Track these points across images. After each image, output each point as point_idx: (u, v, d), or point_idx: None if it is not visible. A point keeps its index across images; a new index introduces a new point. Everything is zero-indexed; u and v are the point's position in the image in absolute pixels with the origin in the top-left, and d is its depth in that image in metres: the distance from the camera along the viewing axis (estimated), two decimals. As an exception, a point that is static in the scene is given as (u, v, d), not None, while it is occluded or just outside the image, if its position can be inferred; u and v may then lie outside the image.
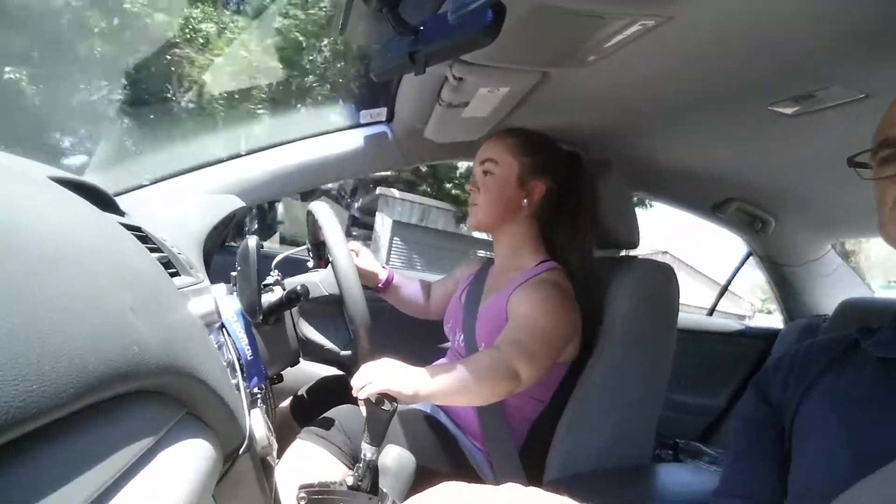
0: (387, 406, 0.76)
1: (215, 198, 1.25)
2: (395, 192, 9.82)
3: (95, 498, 0.25)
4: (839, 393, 0.58)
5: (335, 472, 0.96)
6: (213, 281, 0.85)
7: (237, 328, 0.76)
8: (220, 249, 1.23)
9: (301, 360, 0.99)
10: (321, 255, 1.20)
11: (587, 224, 1.15)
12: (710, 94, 1.01)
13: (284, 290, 0.90)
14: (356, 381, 0.79)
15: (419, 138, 1.34)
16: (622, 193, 1.26)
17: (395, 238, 9.99)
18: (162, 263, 0.60)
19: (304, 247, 1.24)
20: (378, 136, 1.38)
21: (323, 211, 1.04)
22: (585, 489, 0.98)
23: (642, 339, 1.13)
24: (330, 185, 8.79)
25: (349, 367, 1.05)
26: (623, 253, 1.32)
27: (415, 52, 0.67)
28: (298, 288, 0.90)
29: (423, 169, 9.67)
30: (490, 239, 1.24)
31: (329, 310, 1.00)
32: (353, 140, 1.37)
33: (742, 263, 2.33)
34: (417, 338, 1.59)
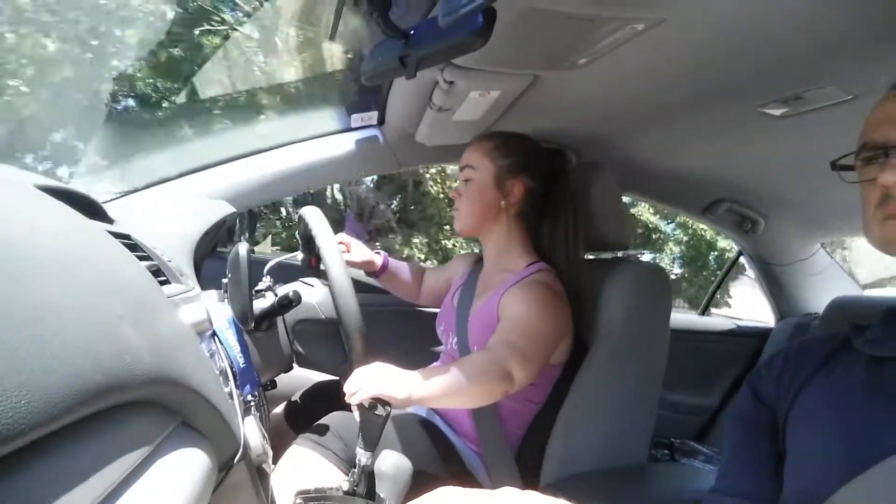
0: (380, 411, 0.76)
1: (205, 203, 1.24)
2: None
3: None
4: (831, 390, 0.59)
5: (331, 477, 0.95)
6: (204, 287, 0.84)
7: (229, 336, 0.75)
8: (210, 255, 1.22)
9: (294, 365, 0.99)
10: (311, 250, 1.19)
11: (572, 222, 1.15)
12: (700, 95, 1.02)
13: (276, 296, 0.89)
14: (348, 387, 0.79)
15: (410, 142, 1.34)
16: (613, 195, 1.27)
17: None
18: (152, 272, 0.59)
19: (296, 254, 1.23)
20: (369, 139, 1.38)
21: (314, 215, 1.04)
22: (582, 491, 0.98)
23: (636, 340, 1.14)
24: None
25: (343, 373, 1.05)
26: (620, 254, 1.33)
27: (405, 56, 0.67)
28: (290, 294, 0.89)
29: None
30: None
31: (327, 331, 1.00)
32: (345, 144, 1.37)
33: (733, 263, 2.35)
34: (410, 341, 1.59)
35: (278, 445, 1.02)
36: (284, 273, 1.03)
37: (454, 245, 9.15)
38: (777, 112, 0.99)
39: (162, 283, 0.62)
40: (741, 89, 0.96)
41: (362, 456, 0.76)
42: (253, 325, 0.82)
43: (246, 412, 0.71)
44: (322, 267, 0.96)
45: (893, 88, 0.56)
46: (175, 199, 1.24)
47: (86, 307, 0.29)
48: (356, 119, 1.39)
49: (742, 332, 2.08)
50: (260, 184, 1.32)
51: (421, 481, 0.79)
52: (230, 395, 0.59)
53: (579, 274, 1.14)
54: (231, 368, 0.69)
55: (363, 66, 0.79)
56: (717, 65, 0.88)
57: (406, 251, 9.00)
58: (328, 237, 0.98)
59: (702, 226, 8.56)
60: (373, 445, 0.76)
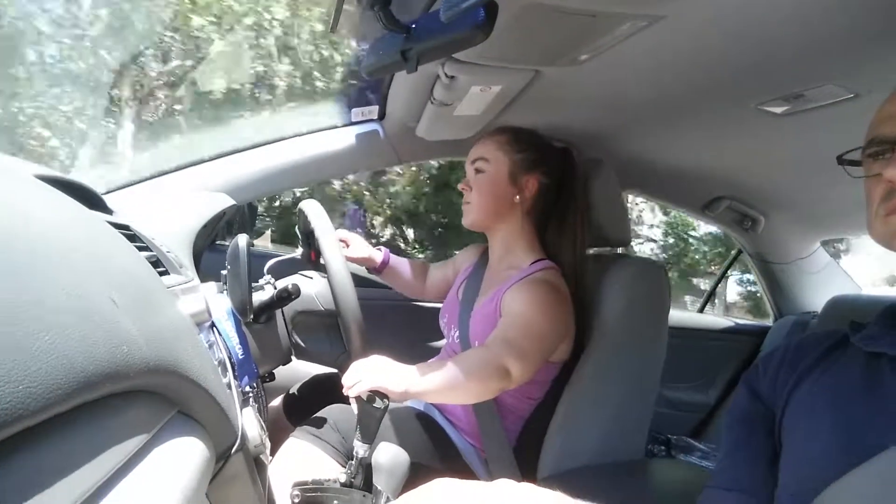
0: (378, 403, 0.76)
1: (205, 196, 1.24)
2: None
3: (88, 497, 0.25)
4: (828, 386, 0.59)
5: (329, 469, 0.95)
6: (204, 280, 0.84)
7: (228, 327, 0.76)
8: (210, 248, 1.22)
9: (293, 358, 0.99)
10: (311, 244, 1.19)
11: (579, 221, 1.15)
12: (701, 93, 1.01)
13: (276, 288, 0.89)
14: (346, 379, 0.79)
15: (411, 136, 1.34)
16: (614, 191, 1.27)
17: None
18: (151, 262, 0.59)
19: (295, 252, 1.23)
20: (370, 133, 1.38)
21: (314, 209, 1.04)
22: (579, 485, 0.98)
23: (635, 336, 1.14)
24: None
25: (341, 365, 1.05)
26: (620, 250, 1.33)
27: (407, 50, 0.67)
28: (290, 286, 0.90)
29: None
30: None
31: (325, 322, 1.00)
32: (345, 138, 1.36)
33: (733, 261, 2.35)
34: (411, 336, 1.59)
35: (276, 437, 1.02)
36: (285, 270, 1.03)
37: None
38: (778, 110, 0.99)
39: (161, 273, 0.62)
40: (742, 87, 0.96)
41: (360, 448, 0.76)
42: (252, 317, 0.82)
43: (244, 403, 0.72)
44: (321, 261, 0.97)
45: None
46: (175, 191, 1.24)
47: (83, 296, 0.29)
48: (356, 113, 1.38)
49: (740, 329, 2.09)
50: (260, 177, 1.32)
51: (418, 474, 0.79)
52: (228, 385, 0.59)
53: (585, 273, 1.14)
54: (230, 359, 0.69)
55: (364, 59, 0.79)
56: (718, 62, 0.88)
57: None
58: (328, 232, 0.98)
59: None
60: (370, 438, 0.76)
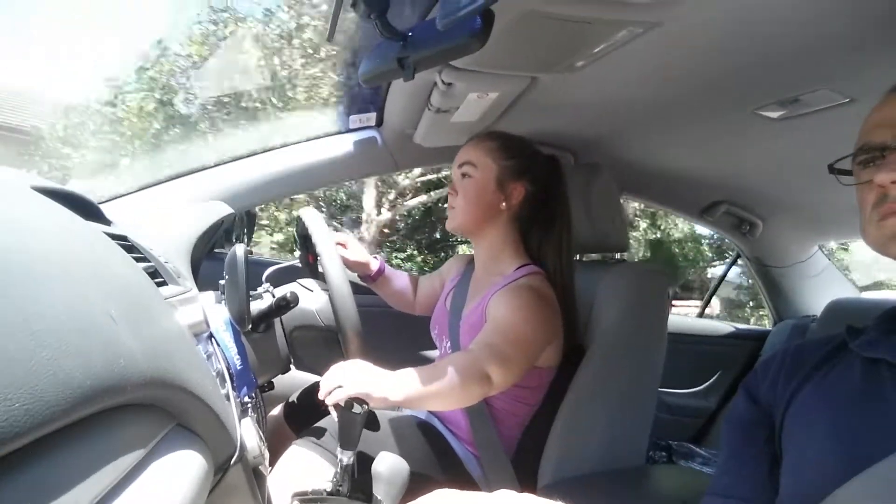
0: (357, 409, 0.75)
1: (203, 204, 1.23)
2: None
3: None
4: (828, 392, 0.59)
5: (329, 479, 0.95)
6: (202, 288, 0.84)
7: (226, 337, 0.75)
8: (208, 256, 1.22)
9: (292, 367, 0.99)
10: (308, 248, 1.19)
11: (564, 227, 1.15)
12: (698, 98, 1.02)
13: (274, 297, 0.89)
14: (324, 385, 0.77)
15: (409, 143, 1.34)
16: (612, 197, 1.27)
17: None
18: (149, 273, 0.59)
19: (294, 261, 1.23)
20: (367, 140, 1.38)
21: (312, 216, 1.04)
22: (579, 493, 0.98)
23: (634, 342, 1.13)
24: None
25: None
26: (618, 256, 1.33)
27: (404, 57, 0.67)
28: (288, 294, 0.89)
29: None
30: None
31: (325, 336, 0.99)
32: (343, 145, 1.37)
33: (731, 265, 2.35)
34: (407, 344, 1.59)
35: (279, 446, 1.02)
36: (283, 278, 1.03)
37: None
38: (774, 114, 1.00)
39: (159, 284, 0.62)
40: (738, 92, 0.96)
41: (343, 456, 0.75)
42: (250, 326, 0.82)
43: (243, 414, 0.71)
44: (319, 266, 0.96)
45: (893, 91, 0.57)
46: (172, 201, 1.24)
47: (80, 308, 0.28)
48: (354, 120, 1.39)
49: (739, 334, 2.08)
50: (258, 185, 1.32)
51: (418, 483, 0.79)
52: (227, 396, 0.59)
53: (571, 277, 1.14)
54: (228, 370, 0.69)
55: (361, 67, 0.79)
56: (714, 68, 0.89)
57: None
58: (325, 236, 0.98)
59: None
60: (353, 445, 0.76)
